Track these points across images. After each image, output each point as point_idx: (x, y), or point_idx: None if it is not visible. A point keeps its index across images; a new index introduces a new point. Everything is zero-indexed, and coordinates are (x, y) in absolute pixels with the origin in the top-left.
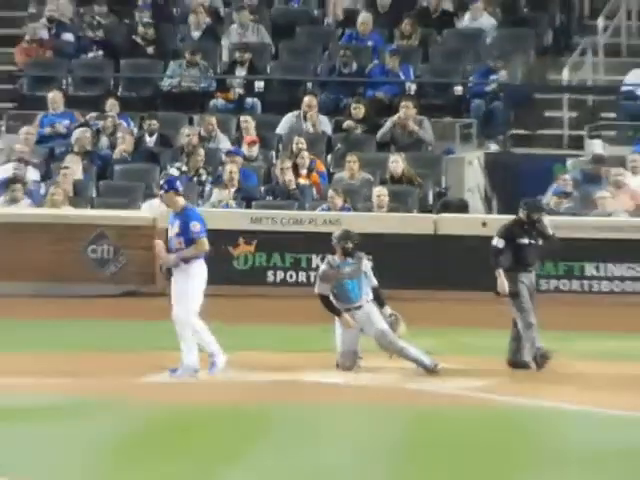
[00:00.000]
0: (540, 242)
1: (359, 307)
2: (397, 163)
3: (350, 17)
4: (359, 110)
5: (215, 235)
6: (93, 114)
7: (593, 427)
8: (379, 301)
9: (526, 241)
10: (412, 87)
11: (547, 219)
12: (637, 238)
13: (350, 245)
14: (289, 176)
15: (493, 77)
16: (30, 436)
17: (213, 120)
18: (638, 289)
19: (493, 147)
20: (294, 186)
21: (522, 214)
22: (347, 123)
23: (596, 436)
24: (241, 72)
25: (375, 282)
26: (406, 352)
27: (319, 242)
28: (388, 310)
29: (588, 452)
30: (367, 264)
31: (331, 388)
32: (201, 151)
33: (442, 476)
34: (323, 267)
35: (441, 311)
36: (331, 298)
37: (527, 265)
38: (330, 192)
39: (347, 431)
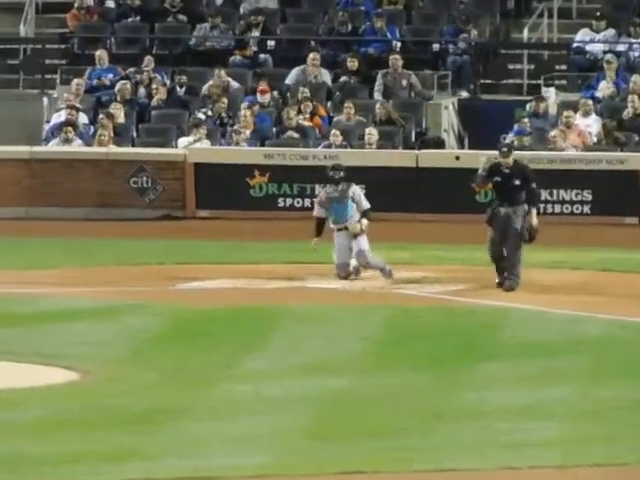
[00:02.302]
0: (517, 182)
1: (346, 228)
2: (380, 109)
3: None
4: (353, 64)
5: (235, 168)
6: (132, 69)
7: (541, 322)
8: (363, 215)
9: (499, 179)
10: (397, 45)
11: (531, 172)
12: (583, 169)
13: (337, 175)
14: (295, 119)
15: (464, 36)
16: (84, 331)
17: (223, 73)
18: (584, 211)
19: (464, 94)
20: (294, 125)
21: (499, 156)
22: (343, 78)
23: (541, 330)
24: (255, 33)
25: (365, 206)
26: (374, 262)
27: (321, 174)
28: (363, 221)
29: (535, 343)
30: (356, 191)
31: (331, 293)
32: (224, 99)
33: (421, 358)
34: (321, 194)
35: (422, 230)
36: (323, 216)
37: (498, 200)
38: (332, 131)
39: (345, 326)
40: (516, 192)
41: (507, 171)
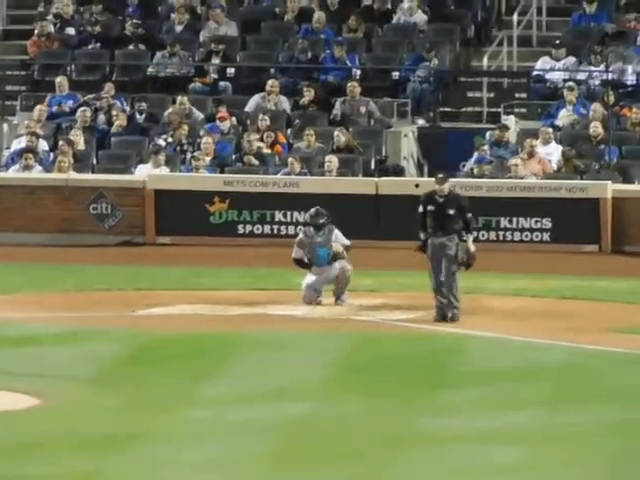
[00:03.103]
0: (451, 212)
1: (328, 264)
2: (339, 137)
3: (306, 14)
4: (310, 93)
5: (195, 195)
6: (91, 96)
7: (501, 349)
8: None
9: (432, 208)
10: (357, 72)
11: (466, 201)
12: (543, 197)
13: (319, 222)
14: (255, 146)
15: (425, 64)
16: (45, 356)
17: (185, 100)
18: (544, 239)
19: (421, 122)
20: (255, 150)
21: (435, 184)
22: (302, 101)
23: (502, 357)
24: (215, 60)
25: (345, 242)
26: (346, 285)
27: (281, 200)
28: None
29: (495, 369)
30: (338, 234)
31: (292, 319)
32: (185, 126)
33: (381, 384)
34: (300, 236)
35: (382, 257)
36: (305, 260)
37: (431, 229)
38: (290, 159)
39: (305, 353)
40: (450, 221)
41: (441, 200)
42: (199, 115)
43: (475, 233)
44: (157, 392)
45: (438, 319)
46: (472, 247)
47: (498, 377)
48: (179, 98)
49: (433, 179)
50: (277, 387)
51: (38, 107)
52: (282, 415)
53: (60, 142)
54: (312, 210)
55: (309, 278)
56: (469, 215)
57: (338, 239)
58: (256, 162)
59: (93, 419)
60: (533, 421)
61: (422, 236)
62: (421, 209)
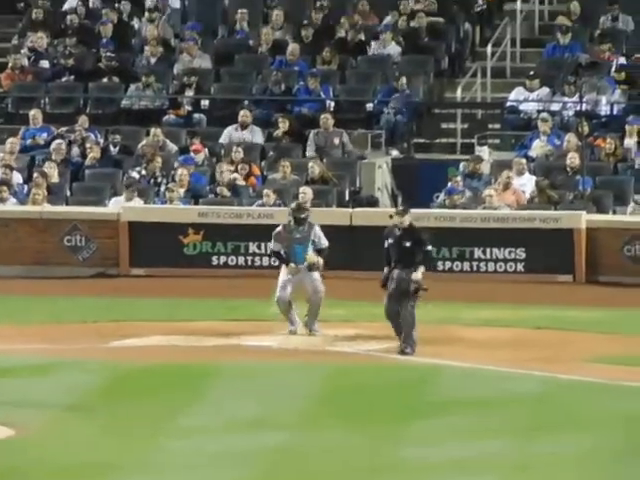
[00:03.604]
0: (408, 244)
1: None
2: (313, 168)
3: (280, 46)
4: (284, 124)
5: (169, 226)
6: (64, 128)
7: (474, 379)
8: (319, 253)
9: (391, 241)
10: (331, 104)
11: (425, 235)
12: (516, 227)
13: (301, 215)
14: (227, 177)
15: (397, 95)
16: (19, 387)
17: (159, 132)
18: (518, 269)
19: (395, 153)
20: (227, 181)
21: (394, 216)
22: (277, 132)
23: (475, 387)
24: (189, 92)
25: (324, 243)
26: (319, 308)
27: (255, 232)
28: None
29: (468, 399)
30: (317, 232)
31: (266, 350)
32: (159, 158)
33: (354, 415)
34: (279, 228)
35: (356, 288)
36: (282, 253)
37: (393, 262)
38: (265, 191)
39: (279, 383)
40: (407, 254)
41: (399, 232)
42: (173, 147)
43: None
44: (133, 422)
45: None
46: (418, 275)
47: (470, 407)
48: (153, 130)
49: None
50: (253, 418)
51: (10, 140)
52: (258, 446)
53: (35, 174)
54: (294, 204)
55: (283, 275)
56: (427, 247)
57: (317, 237)
58: (228, 193)
59: (69, 449)
60: (506, 450)
61: (385, 270)
62: (385, 243)
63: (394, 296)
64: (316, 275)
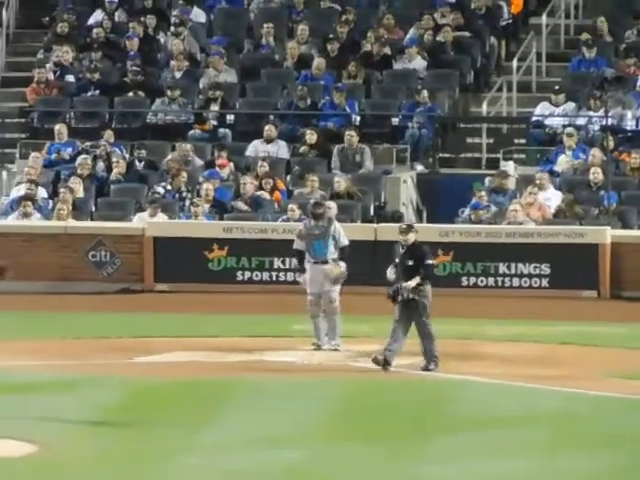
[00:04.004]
0: (410, 263)
1: (325, 262)
2: (340, 182)
3: (305, 60)
4: (312, 136)
5: (194, 242)
6: (89, 143)
7: (499, 395)
8: (340, 256)
9: (397, 259)
10: (357, 119)
11: (426, 252)
12: (541, 242)
13: (318, 211)
14: (249, 189)
15: (420, 109)
16: (43, 403)
17: (189, 147)
18: (542, 285)
19: (420, 168)
20: (250, 194)
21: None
22: (302, 149)
23: (499, 403)
24: (215, 107)
25: (344, 242)
26: (334, 319)
27: (280, 247)
28: (341, 263)
29: (492, 415)
30: (337, 228)
31: (289, 366)
32: (184, 173)
33: (377, 431)
34: (300, 227)
35: (380, 303)
36: (306, 254)
37: (401, 280)
38: (290, 206)
39: (302, 399)
40: (412, 272)
41: (402, 250)
42: (198, 162)
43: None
44: (154, 439)
45: (379, 362)
46: (411, 283)
47: (494, 423)
48: (182, 145)
49: (433, 225)
50: (273, 434)
51: (33, 154)
52: (277, 462)
53: (61, 190)
54: (312, 200)
55: (309, 287)
56: (427, 262)
57: (338, 233)
58: (245, 207)
59: (91, 466)
60: (530, 467)
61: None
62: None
63: (404, 315)
64: (335, 296)
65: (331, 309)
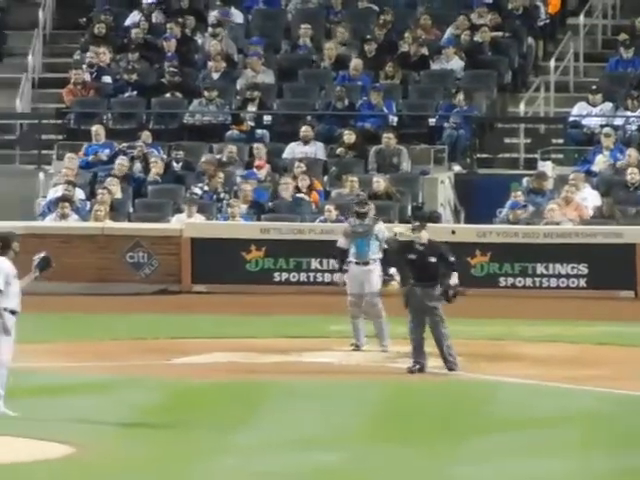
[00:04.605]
0: (433, 260)
1: (366, 263)
2: (379, 182)
3: (342, 61)
4: (350, 137)
5: (231, 243)
6: (125, 144)
7: (534, 396)
8: (384, 260)
9: (413, 256)
10: (394, 119)
11: (447, 249)
12: (579, 243)
13: (362, 209)
14: (291, 193)
15: (456, 110)
16: (80, 405)
17: (234, 148)
18: (580, 285)
19: (457, 168)
20: (290, 199)
21: (411, 232)
22: (340, 150)
23: (533, 404)
24: (252, 108)
25: (386, 235)
26: (380, 322)
27: (317, 248)
28: (391, 270)
29: (528, 416)
30: (381, 229)
31: (326, 367)
32: (221, 174)
33: (413, 432)
34: (345, 225)
35: None
36: (345, 251)
37: (413, 279)
38: (327, 207)
39: (339, 401)
40: (432, 269)
41: (421, 248)
42: (237, 161)
43: (499, 281)
44: (190, 440)
45: (413, 370)
46: (454, 280)
47: (529, 424)
48: (228, 146)
49: (471, 226)
50: (308, 436)
51: (68, 155)
52: (311, 464)
53: (100, 191)
54: (356, 199)
55: (349, 288)
56: (451, 259)
57: (382, 233)
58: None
59: (126, 467)
60: (565, 467)
61: (404, 289)
62: (404, 259)
63: (418, 317)
64: (377, 300)
65: (375, 312)
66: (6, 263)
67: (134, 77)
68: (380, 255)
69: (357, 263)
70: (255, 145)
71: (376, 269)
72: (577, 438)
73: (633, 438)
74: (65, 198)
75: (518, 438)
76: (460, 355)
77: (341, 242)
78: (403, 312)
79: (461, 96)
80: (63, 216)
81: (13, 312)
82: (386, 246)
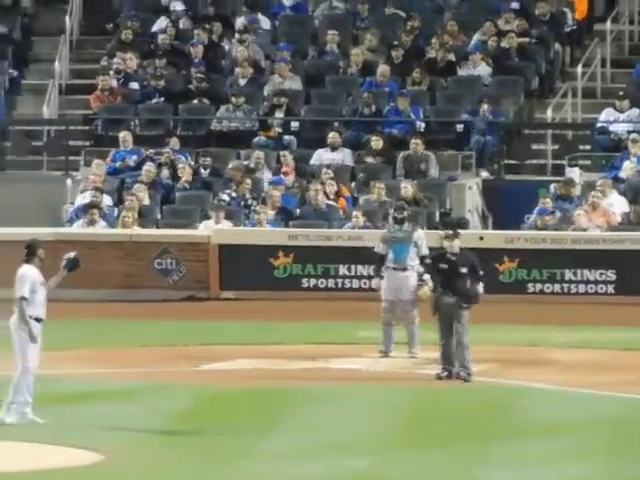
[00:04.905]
0: (464, 270)
1: (404, 269)
2: (407, 188)
3: (369, 67)
4: (378, 143)
5: (259, 249)
6: (153, 150)
7: (561, 402)
8: (421, 260)
9: (445, 266)
10: (421, 125)
11: (478, 262)
12: (607, 249)
13: (400, 215)
14: (319, 199)
15: (480, 117)
16: (108, 411)
17: (261, 155)
18: (608, 291)
19: (485, 174)
20: (323, 206)
21: (444, 240)
22: (366, 157)
23: (563, 409)
24: (279, 114)
25: (424, 251)
26: (413, 328)
27: (345, 254)
28: (425, 276)
29: (554, 421)
30: (420, 235)
31: (355, 373)
32: (248, 180)
33: (442, 438)
34: (384, 230)
35: None
36: (383, 256)
37: (442, 288)
38: (354, 213)
39: (367, 407)
40: (462, 280)
41: (453, 258)
42: (264, 167)
43: (528, 287)
44: (220, 446)
45: (442, 376)
46: (480, 289)
47: (557, 429)
48: (255, 152)
49: (499, 232)
50: (338, 441)
51: (96, 161)
52: (341, 470)
53: (128, 197)
54: (394, 204)
55: (384, 294)
56: (481, 272)
57: (421, 240)
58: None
59: (156, 474)
60: (594, 472)
61: (433, 297)
62: (434, 267)
63: (447, 326)
64: (412, 306)
65: (409, 318)
66: (32, 270)
67: (161, 83)
68: (417, 261)
69: (395, 269)
70: (282, 152)
71: (413, 275)
72: (604, 443)
73: None
74: (93, 205)
75: (546, 443)
76: (489, 361)
77: (378, 247)
78: (432, 318)
79: (485, 107)
80: (91, 222)
81: (38, 320)
82: (426, 252)
